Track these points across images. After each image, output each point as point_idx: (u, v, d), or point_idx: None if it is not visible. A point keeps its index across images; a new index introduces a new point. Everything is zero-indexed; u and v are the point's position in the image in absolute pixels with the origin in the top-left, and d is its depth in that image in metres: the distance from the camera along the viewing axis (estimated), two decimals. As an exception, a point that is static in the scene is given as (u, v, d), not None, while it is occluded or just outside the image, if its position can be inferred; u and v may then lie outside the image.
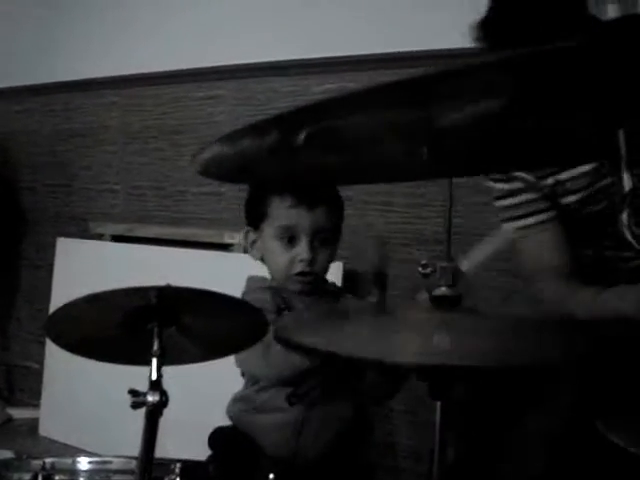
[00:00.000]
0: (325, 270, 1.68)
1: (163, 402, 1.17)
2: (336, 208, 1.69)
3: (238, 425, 1.71)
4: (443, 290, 1.00)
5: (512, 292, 2.13)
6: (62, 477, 1.38)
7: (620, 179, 1.18)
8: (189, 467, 1.39)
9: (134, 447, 1.20)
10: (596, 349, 0.94)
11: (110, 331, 1.24)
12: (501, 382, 1.51)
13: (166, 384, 1.19)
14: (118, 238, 3.13)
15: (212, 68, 2.95)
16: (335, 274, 1.85)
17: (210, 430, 1.75)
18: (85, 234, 3.22)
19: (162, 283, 1.18)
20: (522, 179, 1.66)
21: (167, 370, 1.21)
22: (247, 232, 1.72)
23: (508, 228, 1.73)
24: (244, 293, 1.71)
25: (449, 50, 2.30)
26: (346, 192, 1.73)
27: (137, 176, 3.24)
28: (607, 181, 1.58)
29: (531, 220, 1.68)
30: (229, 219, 2.88)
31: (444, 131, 0.85)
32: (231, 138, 0.89)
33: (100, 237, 3.17)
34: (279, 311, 1.63)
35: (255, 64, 2.82)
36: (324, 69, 2.66)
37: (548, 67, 0.75)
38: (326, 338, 0.96)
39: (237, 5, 2.86)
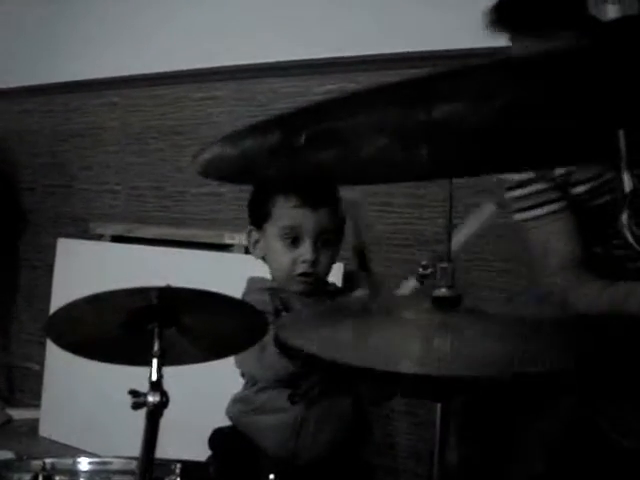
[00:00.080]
0: (327, 271, 1.68)
1: (163, 403, 1.17)
2: (339, 209, 1.69)
3: (238, 426, 1.71)
4: (443, 291, 1.00)
5: (515, 293, 2.13)
6: (62, 477, 1.38)
7: (620, 180, 1.18)
8: (189, 468, 1.39)
9: (134, 448, 1.20)
10: (600, 351, 0.94)
11: (110, 332, 1.24)
12: (509, 389, 1.51)
13: (166, 385, 1.19)
14: (118, 238, 3.13)
15: (212, 69, 2.95)
16: (336, 275, 1.84)
17: (210, 431, 1.75)
18: (85, 235, 3.23)
19: (162, 284, 1.18)
20: None
21: (167, 371, 1.21)
22: (250, 231, 1.72)
23: (517, 219, 1.72)
24: (244, 294, 1.71)
25: (449, 51, 2.30)
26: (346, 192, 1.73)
27: (137, 177, 3.24)
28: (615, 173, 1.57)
29: (542, 211, 1.67)
30: (229, 220, 2.88)
31: (444, 131, 0.85)
32: (232, 139, 0.89)
33: (100, 237, 3.17)
34: (277, 312, 1.63)
35: (255, 65, 2.82)
36: (324, 70, 2.66)
37: (548, 67, 0.75)
38: (323, 344, 0.95)
39: (237, 6, 2.86)
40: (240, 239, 2.63)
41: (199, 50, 2.93)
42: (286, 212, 1.64)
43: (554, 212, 1.67)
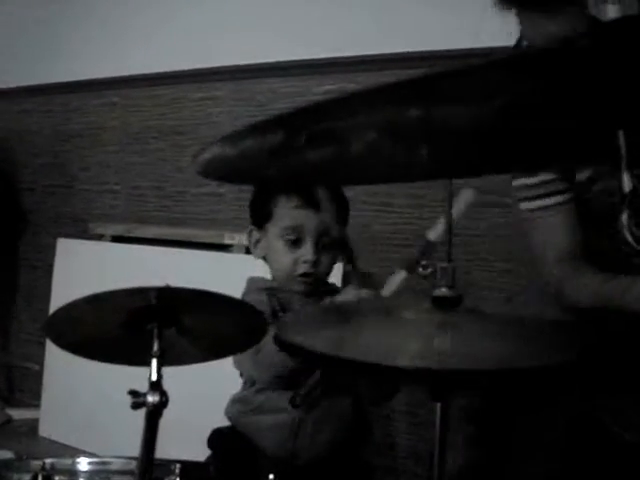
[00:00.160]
0: (328, 272, 1.68)
1: (163, 403, 1.17)
2: (342, 210, 1.69)
3: (237, 426, 1.71)
4: (443, 291, 1.00)
5: (514, 293, 2.13)
6: (62, 477, 1.37)
7: (620, 180, 1.18)
8: (189, 468, 1.39)
9: (134, 448, 1.19)
10: (599, 349, 0.94)
11: (110, 332, 1.24)
12: (508, 385, 1.51)
13: (166, 385, 1.19)
14: (118, 239, 3.13)
15: (212, 69, 2.95)
16: (335, 275, 1.84)
17: (210, 431, 1.75)
18: (85, 235, 3.22)
19: (162, 284, 1.18)
20: None
21: (167, 371, 1.21)
22: (251, 231, 1.72)
23: (522, 208, 1.72)
24: (244, 294, 1.71)
25: (449, 51, 2.30)
26: (347, 193, 1.73)
27: (137, 177, 3.24)
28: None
29: (549, 201, 1.67)
30: (229, 220, 2.88)
31: (444, 131, 0.85)
32: (231, 139, 0.89)
33: (100, 238, 3.17)
34: (274, 313, 1.63)
35: (255, 65, 2.82)
36: (324, 70, 2.66)
37: (548, 67, 0.75)
38: (324, 341, 0.96)
39: (237, 6, 2.86)
40: (240, 239, 2.63)
41: (199, 50, 2.93)
42: (288, 212, 1.64)
43: (560, 203, 1.67)
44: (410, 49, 2.41)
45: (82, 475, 1.41)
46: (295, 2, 2.74)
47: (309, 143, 0.86)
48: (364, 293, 1.54)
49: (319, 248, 1.64)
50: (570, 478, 1.56)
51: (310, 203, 1.63)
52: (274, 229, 1.66)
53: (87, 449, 2.51)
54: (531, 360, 0.90)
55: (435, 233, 1.46)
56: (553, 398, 1.53)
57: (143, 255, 2.93)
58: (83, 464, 1.42)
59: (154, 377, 1.19)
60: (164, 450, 1.21)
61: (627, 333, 1.47)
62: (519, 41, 1.58)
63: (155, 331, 1.21)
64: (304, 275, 1.64)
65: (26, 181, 3.59)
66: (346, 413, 1.67)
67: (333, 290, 1.73)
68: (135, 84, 3.20)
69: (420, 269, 1.03)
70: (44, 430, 3.15)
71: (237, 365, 1.67)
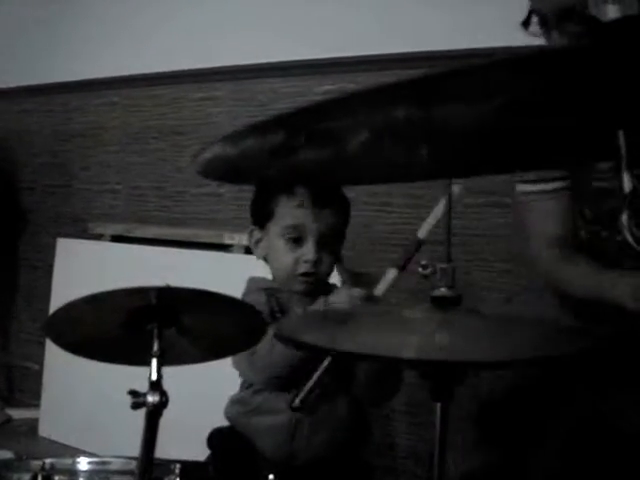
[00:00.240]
0: (329, 272, 1.68)
1: (163, 403, 1.17)
2: (343, 210, 1.69)
3: (236, 427, 1.71)
4: (443, 291, 1.00)
5: (514, 293, 2.13)
6: (62, 477, 1.37)
7: (620, 180, 1.18)
8: (189, 468, 1.39)
9: (134, 448, 1.19)
10: (596, 346, 0.94)
11: (110, 332, 1.24)
12: (522, 386, 1.52)
13: (166, 385, 1.19)
14: (118, 238, 3.13)
15: (212, 69, 2.95)
16: (335, 275, 1.84)
17: (209, 431, 1.75)
18: (85, 234, 3.22)
19: (162, 284, 1.18)
20: None
21: (167, 371, 1.21)
22: (252, 231, 1.72)
23: (519, 190, 1.72)
24: (244, 294, 1.71)
25: (449, 51, 2.30)
26: (348, 193, 1.74)
27: (137, 176, 3.24)
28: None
29: (547, 186, 1.68)
30: (229, 220, 2.88)
31: (444, 131, 0.85)
32: (232, 139, 0.89)
33: (100, 237, 3.17)
34: (272, 314, 1.63)
35: (255, 65, 2.82)
36: (324, 70, 2.66)
37: (548, 67, 0.75)
38: (327, 336, 0.96)
39: (237, 6, 2.86)
40: (240, 239, 2.63)
41: (199, 50, 2.93)
42: (289, 211, 1.64)
43: (557, 190, 1.67)
44: (411, 49, 2.41)
45: (82, 475, 1.41)
46: (296, 2, 2.74)
47: (309, 143, 0.86)
48: (356, 292, 1.54)
49: (320, 247, 1.64)
50: (572, 474, 1.56)
51: (312, 202, 1.63)
52: (275, 228, 1.66)
53: (87, 449, 2.51)
54: (531, 360, 0.90)
55: (424, 231, 1.47)
56: (554, 397, 1.53)
57: (143, 255, 2.93)
58: (83, 464, 1.42)
59: (154, 377, 1.19)
60: (164, 450, 1.21)
61: (627, 333, 1.47)
62: (529, 16, 1.58)
63: (155, 331, 1.21)
64: (305, 274, 1.64)
65: (26, 181, 3.59)
66: (341, 413, 1.67)
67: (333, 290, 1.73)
68: (135, 84, 3.20)
69: (420, 269, 1.03)
70: (44, 430, 3.15)
71: (235, 366, 1.67)
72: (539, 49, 0.72)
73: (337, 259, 1.66)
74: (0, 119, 3.61)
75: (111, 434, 2.53)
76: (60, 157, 3.48)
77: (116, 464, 1.42)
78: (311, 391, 1.45)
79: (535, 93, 0.79)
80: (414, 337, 0.92)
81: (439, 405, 0.96)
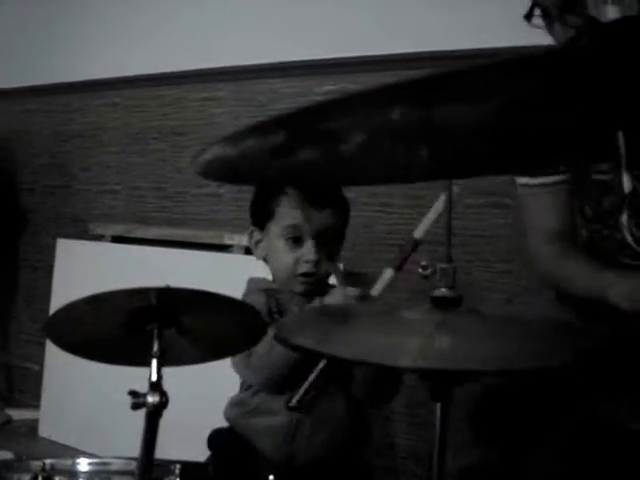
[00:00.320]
0: (329, 273, 1.68)
1: (163, 403, 1.17)
2: (343, 210, 1.69)
3: (235, 428, 1.71)
4: (443, 291, 1.00)
5: (514, 294, 2.13)
6: (62, 478, 1.37)
7: (620, 180, 1.18)
8: (189, 468, 1.39)
9: (134, 448, 1.19)
10: (597, 349, 0.94)
11: (110, 332, 1.24)
12: (516, 388, 1.52)
13: (166, 385, 1.19)
14: (118, 239, 3.13)
15: (213, 69, 2.95)
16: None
17: (209, 431, 1.75)
18: (85, 235, 3.22)
19: (162, 284, 1.18)
20: None
21: (167, 371, 1.21)
22: (252, 232, 1.72)
23: (521, 182, 1.72)
24: (244, 295, 1.71)
25: (451, 52, 2.30)
26: (347, 193, 1.74)
27: (137, 177, 3.24)
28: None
29: (548, 179, 1.68)
30: (229, 220, 2.88)
31: (444, 131, 0.85)
32: (232, 139, 0.89)
33: (100, 238, 3.17)
34: (270, 314, 1.63)
35: (256, 65, 2.82)
36: (325, 70, 2.66)
37: (548, 68, 0.75)
38: (325, 339, 0.96)
39: (238, 6, 2.86)
40: (240, 240, 2.63)
41: (200, 50, 2.93)
42: (289, 212, 1.64)
43: (557, 183, 1.67)
44: (413, 49, 2.40)
45: (82, 476, 1.41)
46: (297, 2, 2.74)
47: (309, 143, 0.86)
48: (351, 292, 1.54)
49: (320, 248, 1.64)
50: (572, 474, 1.56)
51: (312, 202, 1.63)
52: (275, 228, 1.66)
53: (87, 449, 2.51)
54: (532, 361, 0.90)
55: (420, 231, 1.47)
56: (554, 397, 1.53)
57: (143, 255, 2.93)
58: (83, 465, 1.42)
59: (154, 377, 1.19)
60: (164, 450, 1.21)
61: (627, 333, 1.47)
62: (531, 8, 1.58)
63: (155, 331, 1.21)
64: (305, 275, 1.64)
65: (26, 181, 3.59)
66: (340, 412, 1.67)
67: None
68: (136, 84, 3.20)
69: (420, 269, 1.03)
70: (44, 430, 3.15)
71: (234, 367, 1.67)
72: (539, 50, 0.72)
73: (331, 259, 1.66)
74: (1, 119, 3.61)
75: (111, 435, 2.53)
76: (60, 158, 3.48)
77: (116, 465, 1.42)
78: (308, 391, 1.45)
79: (535, 93, 0.79)
80: (413, 340, 0.92)
81: (439, 405, 0.96)
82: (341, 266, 2.38)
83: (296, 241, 1.64)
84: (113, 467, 1.42)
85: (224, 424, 1.74)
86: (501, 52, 2.04)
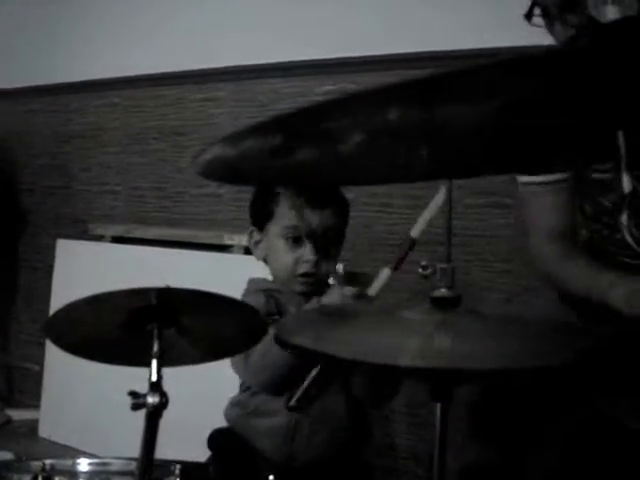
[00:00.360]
0: (329, 273, 1.67)
1: (163, 403, 1.17)
2: (342, 210, 1.69)
3: (235, 428, 1.71)
4: (443, 291, 1.00)
5: (514, 294, 2.13)
6: (62, 478, 1.37)
7: (620, 180, 1.18)
8: (189, 468, 1.39)
9: (134, 448, 1.19)
10: (597, 349, 0.94)
11: (110, 332, 1.24)
12: (516, 387, 1.52)
13: (166, 385, 1.19)
14: (118, 239, 3.13)
15: (213, 69, 2.95)
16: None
17: (210, 431, 1.75)
18: (85, 235, 3.22)
19: (162, 284, 1.18)
20: None
21: (167, 371, 1.21)
22: (252, 232, 1.72)
23: (522, 181, 1.72)
24: (243, 295, 1.71)
25: (452, 52, 2.30)
26: (348, 193, 1.74)
27: (137, 177, 3.24)
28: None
29: (549, 177, 1.68)
30: (228, 220, 2.88)
31: (444, 131, 0.85)
32: (232, 139, 0.88)
33: (100, 238, 3.17)
34: (269, 315, 1.63)
35: (256, 65, 2.82)
36: (326, 70, 2.66)
37: (548, 68, 0.75)
38: (324, 340, 0.96)
39: (238, 6, 2.86)
40: (239, 240, 2.63)
41: (200, 50, 2.93)
42: (289, 212, 1.64)
43: (558, 181, 1.67)
44: (414, 49, 2.40)
45: (82, 476, 1.41)
46: (297, 2, 2.74)
47: (309, 143, 0.86)
48: (348, 291, 1.53)
49: (320, 248, 1.64)
50: (571, 474, 1.56)
51: (312, 203, 1.63)
52: (275, 228, 1.66)
53: (87, 450, 2.51)
54: (532, 360, 0.90)
55: (417, 230, 1.47)
56: (554, 397, 1.53)
57: (143, 256, 2.93)
58: (83, 465, 1.42)
59: (154, 378, 1.19)
60: (164, 451, 1.21)
61: (627, 333, 1.47)
62: (531, 7, 1.58)
63: (155, 331, 1.21)
64: (305, 275, 1.64)
65: (26, 182, 3.58)
66: (339, 412, 1.66)
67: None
68: (136, 85, 3.20)
69: (420, 269, 1.03)
70: (44, 431, 3.15)
71: (233, 368, 1.67)
72: (539, 50, 0.72)
73: (331, 259, 1.66)
74: (1, 119, 3.61)
75: (111, 435, 2.53)
76: (60, 158, 3.48)
77: (116, 465, 1.42)
78: (307, 391, 1.45)
79: (536, 93, 0.79)
80: (413, 340, 0.92)
81: (439, 405, 0.96)
82: (341, 266, 2.39)
83: (296, 241, 1.64)
84: (113, 467, 1.42)
85: (224, 424, 1.74)
86: (501, 52, 2.04)
